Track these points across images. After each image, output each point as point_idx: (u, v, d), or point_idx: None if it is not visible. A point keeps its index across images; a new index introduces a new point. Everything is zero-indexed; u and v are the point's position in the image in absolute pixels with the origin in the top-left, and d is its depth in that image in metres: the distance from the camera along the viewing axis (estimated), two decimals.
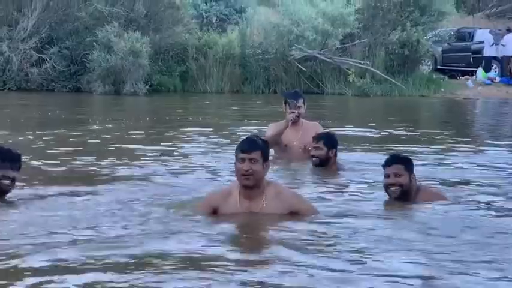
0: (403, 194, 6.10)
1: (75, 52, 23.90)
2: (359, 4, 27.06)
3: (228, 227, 5.41)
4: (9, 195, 6.01)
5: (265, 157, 5.43)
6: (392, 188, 6.10)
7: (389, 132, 13.31)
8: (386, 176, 6.14)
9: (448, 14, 28.76)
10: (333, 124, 13.88)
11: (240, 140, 5.84)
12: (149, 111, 18.65)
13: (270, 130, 8.61)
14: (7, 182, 5.74)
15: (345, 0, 26.69)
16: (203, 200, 5.82)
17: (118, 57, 22.58)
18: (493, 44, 28.89)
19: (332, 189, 7.05)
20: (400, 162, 6.16)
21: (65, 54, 23.86)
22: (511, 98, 25.54)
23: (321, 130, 8.57)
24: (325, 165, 7.88)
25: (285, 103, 8.61)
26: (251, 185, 5.41)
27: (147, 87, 23.13)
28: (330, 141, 7.90)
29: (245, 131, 12.59)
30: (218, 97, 23.37)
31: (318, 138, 7.89)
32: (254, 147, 5.39)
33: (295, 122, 8.48)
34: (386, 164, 6.17)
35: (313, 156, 7.91)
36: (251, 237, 5.38)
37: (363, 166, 8.48)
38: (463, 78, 29.37)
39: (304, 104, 8.66)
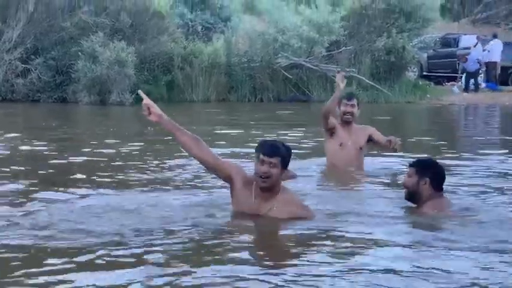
0: (410, 196, 6.27)
1: (61, 62, 23.96)
2: (344, 11, 27.21)
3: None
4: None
5: (284, 164, 5.60)
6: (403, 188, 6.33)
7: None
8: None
9: (433, 20, 29.03)
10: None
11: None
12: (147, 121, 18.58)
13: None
14: None
15: (330, 7, 26.87)
16: (230, 169, 5.83)
17: (103, 67, 22.67)
18: (475, 44, 28.99)
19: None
20: (414, 165, 6.27)
21: (50, 65, 23.92)
22: (498, 103, 25.69)
23: (372, 131, 8.78)
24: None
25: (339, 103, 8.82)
26: (266, 186, 5.60)
27: (133, 96, 23.17)
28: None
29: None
30: (207, 106, 23.40)
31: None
32: (276, 153, 5.56)
33: (349, 122, 8.73)
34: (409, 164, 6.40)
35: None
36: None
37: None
38: (448, 84, 29.63)
39: (358, 106, 8.82)
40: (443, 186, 6.27)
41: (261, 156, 5.54)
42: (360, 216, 6.08)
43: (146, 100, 5.68)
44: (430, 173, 6.18)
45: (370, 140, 8.75)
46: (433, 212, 6.11)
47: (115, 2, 25.11)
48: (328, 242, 5.23)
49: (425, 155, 6.71)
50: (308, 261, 4.73)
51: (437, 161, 6.63)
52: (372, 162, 9.20)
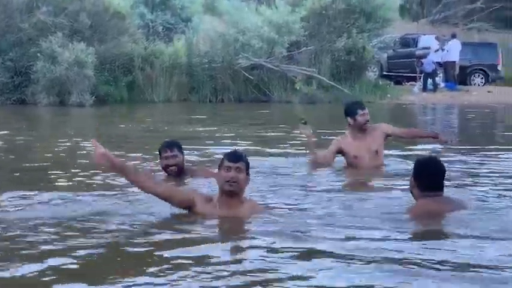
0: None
1: (19, 64, 23.75)
2: (304, 11, 27.21)
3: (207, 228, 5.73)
4: None
5: (247, 169, 5.89)
6: None
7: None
8: None
9: (393, 20, 29.21)
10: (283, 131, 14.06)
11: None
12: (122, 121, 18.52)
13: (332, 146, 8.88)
14: None
15: (290, 8, 26.89)
16: (185, 192, 6.18)
17: (63, 68, 22.50)
18: (438, 49, 29.34)
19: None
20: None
21: (8, 66, 23.67)
22: (457, 103, 25.94)
23: (386, 128, 8.90)
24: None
25: (348, 115, 8.81)
26: (235, 191, 5.80)
27: (93, 98, 23.05)
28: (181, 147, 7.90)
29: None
30: (168, 106, 23.32)
31: (171, 145, 7.85)
32: (240, 159, 5.86)
33: (363, 130, 8.73)
34: None
35: (171, 165, 7.78)
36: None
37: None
38: (408, 84, 29.90)
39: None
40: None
41: (227, 163, 5.79)
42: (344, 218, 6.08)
43: (99, 149, 5.68)
44: (414, 173, 6.03)
45: (388, 136, 8.89)
46: (410, 216, 6.00)
47: (74, 2, 24.87)
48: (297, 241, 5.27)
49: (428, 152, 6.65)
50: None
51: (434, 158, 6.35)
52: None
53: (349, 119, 8.74)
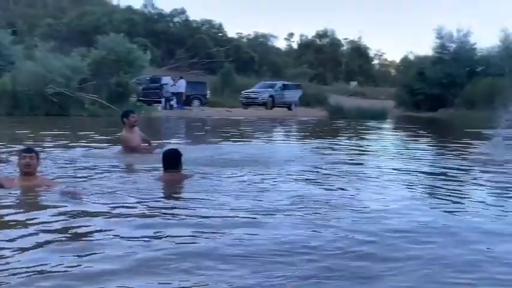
0: None
1: None
2: (90, 60, 26.26)
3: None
4: None
5: (38, 157, 5.67)
6: None
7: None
8: None
9: (146, 67, 29.24)
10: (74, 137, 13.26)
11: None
12: None
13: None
14: None
15: (80, 57, 25.97)
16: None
17: None
18: (172, 85, 29.87)
19: None
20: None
21: None
22: (184, 116, 26.36)
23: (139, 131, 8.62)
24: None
25: (124, 117, 8.41)
26: (30, 172, 5.55)
27: None
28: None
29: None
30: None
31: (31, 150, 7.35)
32: (32, 151, 5.69)
33: (133, 127, 8.42)
34: None
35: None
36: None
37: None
38: (156, 105, 29.84)
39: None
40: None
41: (23, 154, 5.63)
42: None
43: None
44: (162, 159, 6.07)
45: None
46: (156, 181, 5.95)
47: None
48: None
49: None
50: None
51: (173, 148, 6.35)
52: None
53: (125, 119, 8.56)
